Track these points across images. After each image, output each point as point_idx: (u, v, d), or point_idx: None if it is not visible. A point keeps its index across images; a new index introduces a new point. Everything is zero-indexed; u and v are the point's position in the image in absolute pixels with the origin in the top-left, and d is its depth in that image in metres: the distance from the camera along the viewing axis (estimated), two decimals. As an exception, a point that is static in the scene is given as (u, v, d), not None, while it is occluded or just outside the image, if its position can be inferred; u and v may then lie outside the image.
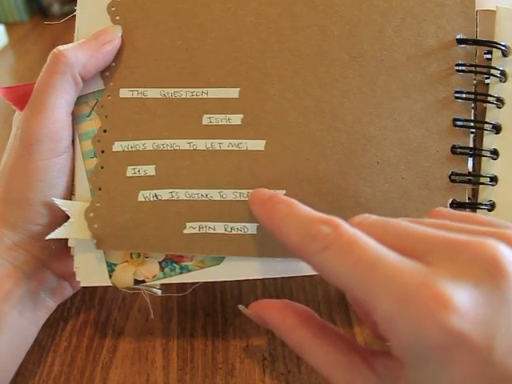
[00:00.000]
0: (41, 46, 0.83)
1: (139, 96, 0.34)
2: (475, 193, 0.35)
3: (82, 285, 0.33)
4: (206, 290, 0.39)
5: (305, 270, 0.33)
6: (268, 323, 0.29)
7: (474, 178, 0.35)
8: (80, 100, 0.34)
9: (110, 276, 0.33)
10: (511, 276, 0.21)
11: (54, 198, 0.32)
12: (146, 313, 0.38)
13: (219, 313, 0.38)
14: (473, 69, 0.34)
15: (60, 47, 0.32)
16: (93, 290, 0.40)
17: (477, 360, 0.20)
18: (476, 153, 0.35)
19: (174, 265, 0.33)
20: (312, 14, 0.34)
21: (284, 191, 0.33)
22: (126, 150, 0.33)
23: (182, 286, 0.39)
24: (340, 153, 0.33)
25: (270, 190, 0.32)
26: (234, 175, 0.33)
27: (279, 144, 0.33)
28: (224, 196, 0.32)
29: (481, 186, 0.35)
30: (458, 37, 0.34)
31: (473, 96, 0.34)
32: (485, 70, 0.35)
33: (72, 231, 0.32)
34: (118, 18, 0.34)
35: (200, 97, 0.33)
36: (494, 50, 0.35)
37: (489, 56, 0.36)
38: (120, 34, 0.34)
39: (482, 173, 0.35)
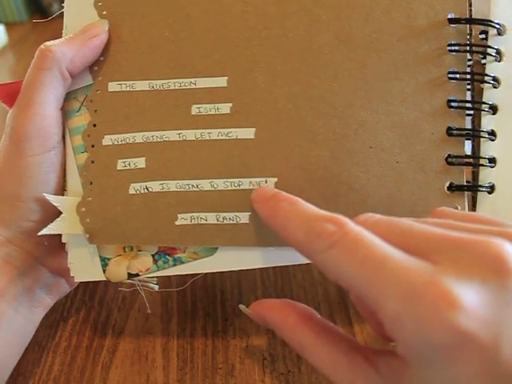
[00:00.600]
0: (41, 46, 0.83)
1: (128, 89, 0.33)
2: (476, 176, 0.35)
3: (76, 280, 0.33)
4: (206, 290, 0.39)
5: (298, 258, 0.32)
6: (269, 323, 0.29)
7: (473, 160, 0.34)
8: (69, 96, 0.34)
9: (104, 270, 0.33)
10: None
11: (45, 194, 0.32)
12: (146, 313, 0.37)
13: (219, 313, 0.37)
14: (467, 48, 0.33)
15: (47, 43, 0.32)
16: (93, 289, 0.40)
17: (483, 359, 0.20)
18: (474, 134, 0.34)
19: (167, 257, 0.33)
20: None
21: (275, 179, 0.32)
22: (116, 143, 0.33)
23: (182, 283, 0.39)
24: (331, 138, 0.32)
25: (261, 177, 0.32)
26: (224, 164, 0.32)
27: (269, 131, 0.32)
28: (215, 186, 0.32)
29: (480, 168, 0.34)
30: (449, 16, 0.33)
31: (467, 76, 0.33)
32: (480, 49, 0.34)
33: (64, 226, 0.32)
34: (104, 12, 0.34)
35: (188, 87, 0.33)
36: (490, 29, 0.34)
37: (483, 36, 0.35)
38: (107, 28, 0.34)
39: (481, 155, 0.34)
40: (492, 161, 0.34)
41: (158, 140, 0.33)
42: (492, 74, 0.34)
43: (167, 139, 0.33)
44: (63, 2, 0.35)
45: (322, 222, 0.24)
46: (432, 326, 0.20)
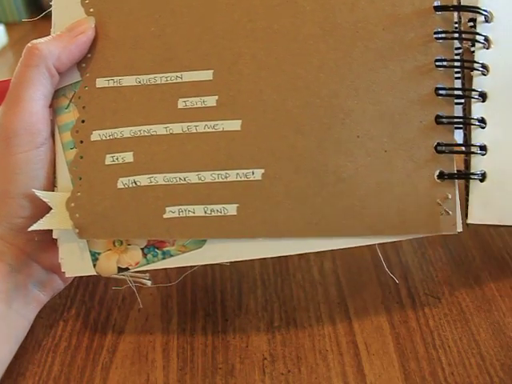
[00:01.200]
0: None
1: (115, 85, 0.34)
2: (468, 164, 0.34)
3: (67, 275, 0.33)
4: (206, 290, 0.39)
5: (287, 249, 0.32)
6: None
7: (465, 149, 0.34)
8: (58, 93, 0.34)
9: (94, 265, 0.33)
10: None
11: (34, 190, 0.32)
12: (146, 313, 0.38)
13: (219, 313, 0.37)
14: (454, 35, 0.33)
15: (34, 41, 0.33)
16: (93, 289, 0.40)
17: None
18: (463, 122, 0.34)
19: (157, 250, 0.33)
20: None
21: (262, 170, 0.32)
22: (104, 138, 0.33)
23: (181, 281, 0.39)
24: (318, 128, 0.32)
25: (248, 169, 0.32)
26: (211, 157, 0.32)
27: (255, 123, 0.32)
28: (202, 178, 0.32)
29: (472, 156, 0.34)
30: (435, 4, 0.33)
31: (454, 64, 0.33)
32: (469, 36, 0.34)
33: (54, 222, 0.32)
34: (91, 10, 0.34)
35: (174, 81, 0.33)
36: (477, 16, 0.34)
37: (471, 24, 0.35)
38: (93, 25, 0.34)
39: (472, 142, 0.34)
40: (483, 148, 0.34)
41: (146, 134, 0.33)
42: (481, 62, 0.34)
43: (154, 133, 0.33)
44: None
45: None
46: None
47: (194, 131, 0.33)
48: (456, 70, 0.34)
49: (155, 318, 0.37)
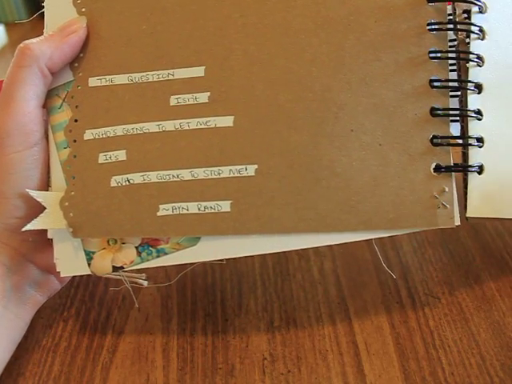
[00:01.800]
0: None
1: (107, 83, 0.34)
2: (466, 157, 0.34)
3: (62, 275, 0.33)
4: (206, 290, 0.39)
5: (281, 245, 0.32)
6: None
7: (463, 141, 0.33)
8: (51, 93, 0.34)
9: (89, 264, 0.33)
10: None
11: (28, 190, 0.32)
12: (146, 313, 0.37)
13: (219, 313, 0.37)
14: (447, 27, 0.33)
15: (26, 41, 0.33)
16: (93, 289, 0.40)
17: None
18: (459, 114, 0.33)
19: (151, 249, 0.33)
20: None
21: (256, 166, 0.32)
22: (97, 137, 0.33)
23: (182, 282, 0.39)
24: (311, 123, 0.32)
25: (241, 165, 0.32)
26: (204, 153, 0.32)
27: (248, 118, 0.32)
28: (195, 175, 0.32)
29: (470, 148, 0.33)
30: (427, -5, 0.33)
31: (448, 55, 0.33)
32: (463, 26, 0.34)
33: (48, 221, 0.32)
34: (83, 9, 0.35)
35: (166, 78, 0.33)
36: (472, 7, 0.34)
37: (465, 16, 0.35)
38: (85, 25, 0.34)
39: (468, 135, 0.33)
40: (480, 140, 0.33)
41: (138, 132, 0.33)
42: (476, 53, 0.33)
43: (147, 131, 0.33)
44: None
45: None
46: None
47: (187, 128, 0.33)
48: (451, 61, 0.33)
49: (155, 318, 0.37)
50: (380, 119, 0.32)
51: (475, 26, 0.33)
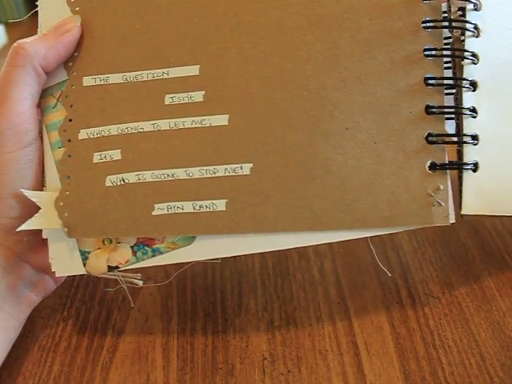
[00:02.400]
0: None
1: (102, 83, 0.34)
2: (461, 155, 0.34)
3: (57, 275, 0.33)
4: (206, 290, 0.39)
5: (277, 244, 0.32)
6: None
7: (457, 138, 0.33)
8: (46, 92, 0.34)
9: (84, 264, 0.33)
10: None
11: (22, 190, 0.32)
12: (146, 313, 0.37)
13: (219, 313, 0.37)
14: (442, 24, 0.33)
15: (20, 41, 0.33)
16: (93, 289, 0.40)
17: None
18: (454, 111, 0.33)
19: (146, 248, 0.33)
20: None
21: (251, 165, 0.32)
22: (92, 136, 0.33)
23: (182, 282, 0.39)
24: (306, 121, 0.32)
25: (236, 164, 0.32)
26: (199, 152, 0.32)
27: (243, 117, 0.32)
28: (190, 174, 0.32)
29: (465, 146, 0.33)
30: (422, -7, 0.33)
31: (443, 52, 0.33)
32: (458, 24, 0.33)
33: (43, 221, 0.32)
34: (77, 8, 0.34)
35: (161, 77, 0.33)
36: (467, 4, 0.34)
37: (460, 13, 0.35)
38: (79, 24, 0.34)
39: (463, 132, 0.33)
40: (475, 138, 0.33)
41: (133, 131, 0.33)
42: (471, 50, 0.33)
43: (142, 130, 0.33)
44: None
45: None
46: None
47: (182, 127, 0.32)
48: (446, 59, 0.33)
49: (155, 318, 0.37)
50: (375, 117, 0.32)
51: (470, 23, 0.33)
